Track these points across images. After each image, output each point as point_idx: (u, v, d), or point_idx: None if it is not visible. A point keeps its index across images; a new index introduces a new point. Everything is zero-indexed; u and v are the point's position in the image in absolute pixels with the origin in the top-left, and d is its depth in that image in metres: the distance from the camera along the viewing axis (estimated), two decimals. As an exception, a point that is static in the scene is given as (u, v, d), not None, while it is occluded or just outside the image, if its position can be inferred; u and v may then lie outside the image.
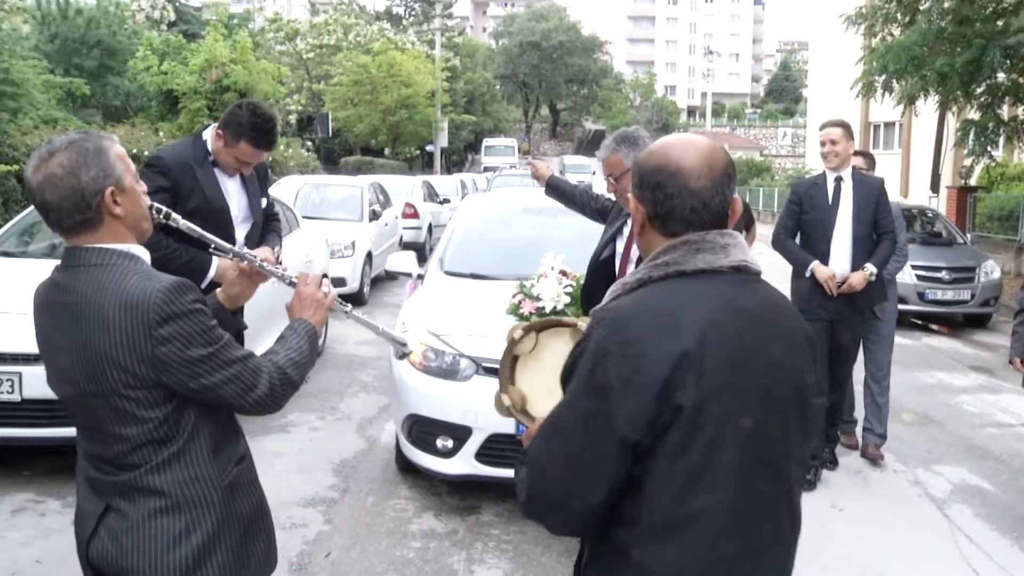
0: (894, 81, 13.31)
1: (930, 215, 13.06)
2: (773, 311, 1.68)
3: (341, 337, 8.65)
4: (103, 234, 1.91)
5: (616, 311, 1.60)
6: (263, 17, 45.06)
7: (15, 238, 6.44)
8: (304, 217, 9.65)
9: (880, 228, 5.13)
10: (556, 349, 2.02)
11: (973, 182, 19.05)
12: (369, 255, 11.55)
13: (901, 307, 7.68)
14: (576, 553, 1.80)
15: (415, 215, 16.37)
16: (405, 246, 14.29)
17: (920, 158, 23.76)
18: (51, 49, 23.95)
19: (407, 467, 4.99)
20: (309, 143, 31.94)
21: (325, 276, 4.21)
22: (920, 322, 10.86)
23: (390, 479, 5.10)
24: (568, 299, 3.97)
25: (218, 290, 2.37)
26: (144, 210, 1.99)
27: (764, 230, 10.59)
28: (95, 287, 1.85)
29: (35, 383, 4.48)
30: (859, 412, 5.88)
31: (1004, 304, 11.45)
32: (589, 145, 63.92)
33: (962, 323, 11.28)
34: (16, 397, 4.60)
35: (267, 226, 4.23)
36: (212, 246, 2.34)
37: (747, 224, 7.75)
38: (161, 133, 17.46)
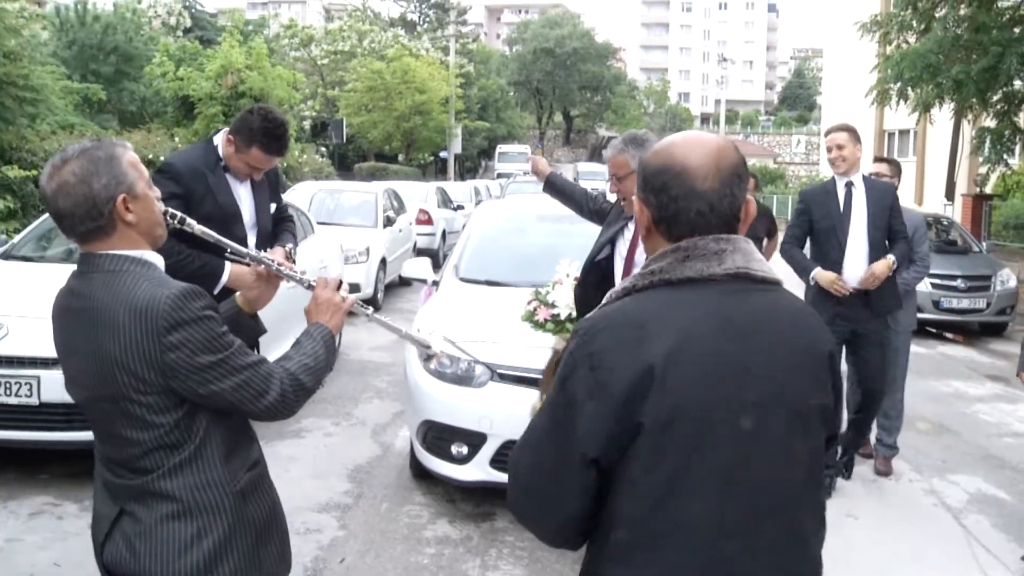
0: (909, 89, 13.24)
1: (945, 223, 12.94)
2: (774, 323, 1.54)
3: (355, 343, 8.66)
4: (116, 240, 1.92)
5: (591, 321, 1.53)
6: (278, 23, 45.46)
7: (33, 243, 6.52)
8: (318, 223, 9.68)
9: (893, 233, 5.01)
10: None
11: (989, 190, 18.98)
12: (383, 261, 11.56)
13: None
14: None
15: (429, 221, 16.41)
16: (419, 252, 14.34)
17: (935, 166, 23.62)
18: (69, 55, 24.10)
19: (421, 473, 4.99)
20: (323, 149, 32.11)
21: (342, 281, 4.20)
22: (935, 331, 10.79)
23: (404, 485, 5.11)
24: (583, 307, 3.97)
25: (237, 294, 2.38)
26: (157, 216, 2.00)
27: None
28: (108, 292, 1.86)
29: (53, 387, 4.51)
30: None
31: (1020, 313, 11.39)
32: (602, 152, 63.61)
33: (978, 332, 11.19)
34: (34, 401, 4.63)
35: (281, 226, 4.20)
36: (228, 250, 2.35)
37: (769, 232, 7.71)
38: (177, 139, 17.54)
